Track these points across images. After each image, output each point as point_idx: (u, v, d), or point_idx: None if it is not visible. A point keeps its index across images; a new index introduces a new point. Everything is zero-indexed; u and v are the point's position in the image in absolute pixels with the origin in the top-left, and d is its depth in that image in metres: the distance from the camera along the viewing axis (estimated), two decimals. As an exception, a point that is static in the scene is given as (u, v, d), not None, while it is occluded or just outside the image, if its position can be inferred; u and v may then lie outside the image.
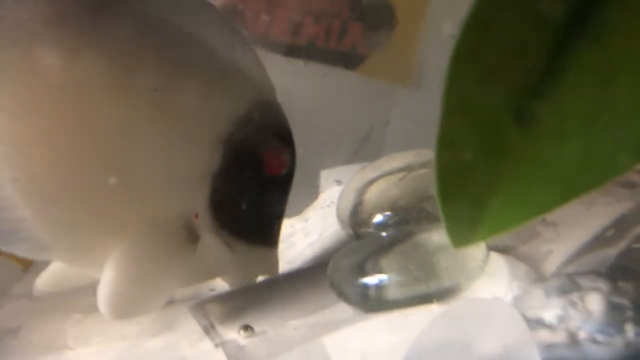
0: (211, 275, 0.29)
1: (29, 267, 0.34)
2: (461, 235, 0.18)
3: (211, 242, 0.27)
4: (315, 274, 0.29)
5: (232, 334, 0.27)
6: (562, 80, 0.16)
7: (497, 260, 0.27)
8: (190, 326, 0.28)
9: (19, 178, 0.24)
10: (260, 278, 0.29)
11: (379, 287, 0.26)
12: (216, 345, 0.26)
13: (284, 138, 0.27)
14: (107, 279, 0.25)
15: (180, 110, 0.25)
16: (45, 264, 0.30)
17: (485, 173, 0.17)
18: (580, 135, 0.16)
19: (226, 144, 0.25)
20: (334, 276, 0.27)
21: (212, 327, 0.27)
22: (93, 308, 0.28)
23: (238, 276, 0.29)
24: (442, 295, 0.26)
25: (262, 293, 0.29)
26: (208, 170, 0.26)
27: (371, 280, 0.26)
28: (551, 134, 0.17)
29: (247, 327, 0.27)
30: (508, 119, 0.17)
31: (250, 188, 0.27)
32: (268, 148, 0.26)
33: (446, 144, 0.17)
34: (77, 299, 0.30)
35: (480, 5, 0.16)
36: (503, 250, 0.27)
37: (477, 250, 0.26)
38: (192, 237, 0.26)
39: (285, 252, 0.32)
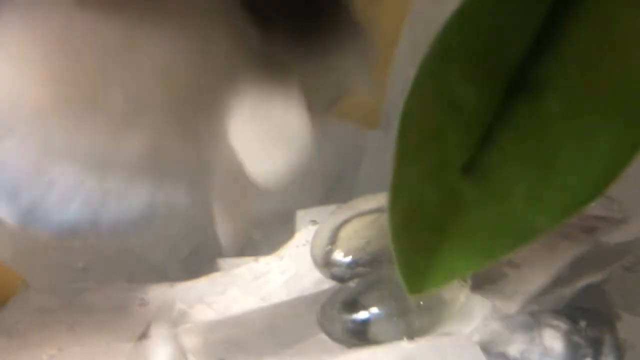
0: None
1: (5, 303, 0.33)
2: (415, 282, 0.19)
3: None
4: (292, 310, 0.30)
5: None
6: (506, 132, 0.17)
7: (467, 299, 0.28)
8: (165, 360, 0.28)
9: None
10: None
11: (364, 323, 0.27)
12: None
13: None
14: None
15: None
16: (23, 303, 0.30)
17: (434, 223, 0.18)
18: (524, 184, 0.17)
19: None
20: (321, 314, 0.28)
21: (188, 361, 0.28)
22: (69, 343, 0.29)
23: None
24: (421, 330, 0.27)
25: (239, 326, 0.30)
26: None
27: (356, 317, 0.27)
28: (496, 184, 0.17)
29: (223, 362, 0.27)
30: (454, 169, 0.18)
31: None
32: None
33: (397, 194, 0.18)
34: (53, 334, 0.30)
35: (422, 67, 0.17)
36: (472, 289, 0.28)
37: (456, 289, 0.27)
38: None
39: (262, 289, 0.32)
